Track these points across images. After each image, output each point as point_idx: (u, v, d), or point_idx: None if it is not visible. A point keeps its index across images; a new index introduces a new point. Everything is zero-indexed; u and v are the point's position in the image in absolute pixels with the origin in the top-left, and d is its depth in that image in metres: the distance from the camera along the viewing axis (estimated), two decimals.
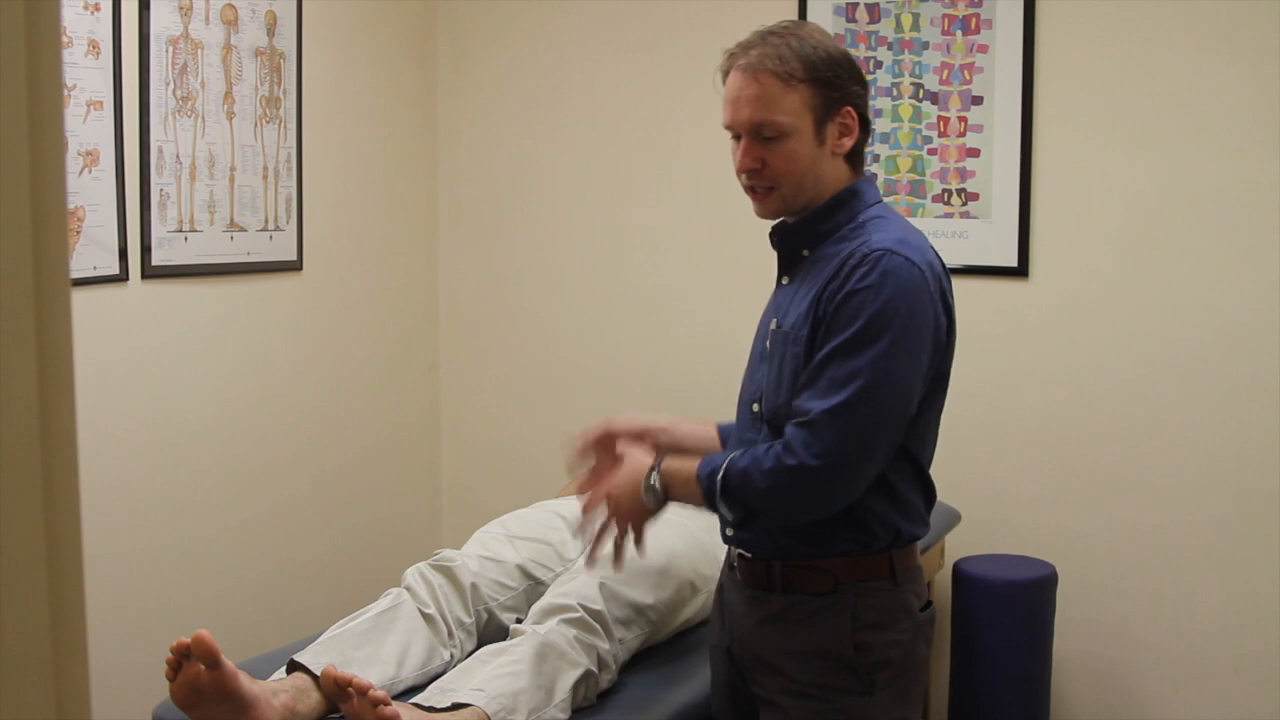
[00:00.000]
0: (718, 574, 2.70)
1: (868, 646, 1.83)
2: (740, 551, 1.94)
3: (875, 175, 3.04)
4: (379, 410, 3.63)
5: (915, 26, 3.12)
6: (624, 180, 3.56)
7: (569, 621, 2.32)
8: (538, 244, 3.68)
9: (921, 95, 3.12)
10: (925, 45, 3.12)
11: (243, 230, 3.14)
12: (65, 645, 0.62)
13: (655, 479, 1.87)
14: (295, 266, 3.31)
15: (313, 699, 2.15)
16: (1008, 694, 2.82)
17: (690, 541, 2.66)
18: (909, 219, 2.11)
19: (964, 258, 3.07)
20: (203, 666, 1.99)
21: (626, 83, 3.52)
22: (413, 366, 3.77)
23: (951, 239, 3.09)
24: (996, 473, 3.13)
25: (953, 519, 3.01)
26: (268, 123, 3.18)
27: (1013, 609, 2.84)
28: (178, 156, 2.95)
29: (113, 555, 2.82)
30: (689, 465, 1.86)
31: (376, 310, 3.61)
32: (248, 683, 2.04)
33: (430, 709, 2.11)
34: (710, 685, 2.13)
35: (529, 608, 2.47)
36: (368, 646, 2.31)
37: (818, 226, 1.87)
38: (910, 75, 3.14)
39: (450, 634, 2.42)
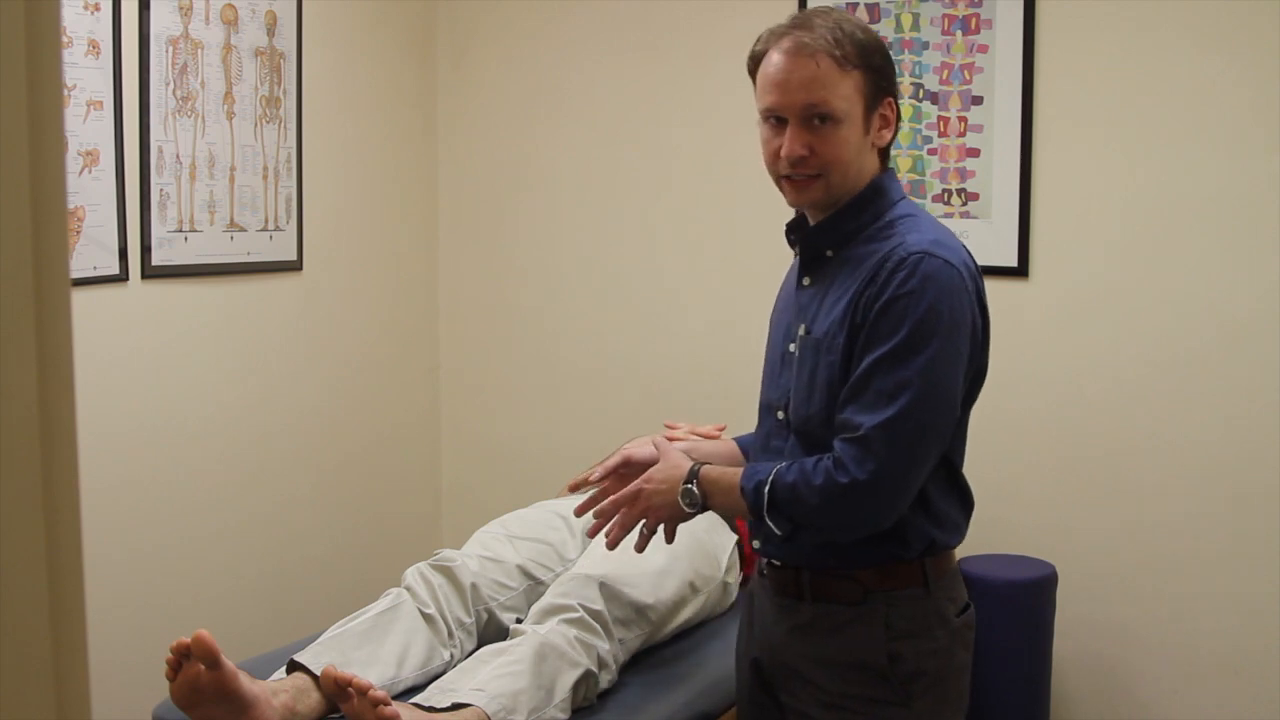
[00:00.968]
0: (718, 574, 2.71)
1: (901, 656, 1.78)
2: (770, 560, 1.89)
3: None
4: (379, 410, 3.63)
5: (915, 26, 3.12)
6: (624, 180, 3.55)
7: (569, 621, 2.32)
8: (538, 244, 3.68)
9: (921, 95, 3.12)
10: (925, 45, 3.12)
11: (243, 230, 3.14)
12: (65, 645, 0.62)
13: (694, 484, 1.82)
14: (295, 266, 3.31)
15: (313, 699, 2.15)
16: (1008, 694, 2.82)
17: (690, 541, 2.66)
18: None
19: None
20: (203, 666, 1.99)
21: (626, 83, 3.52)
22: (413, 366, 3.77)
23: None
24: (996, 473, 3.13)
25: None
26: (268, 123, 3.18)
27: (1013, 609, 2.84)
28: (178, 156, 2.95)
29: (113, 555, 2.83)
30: (730, 475, 1.81)
31: (376, 310, 3.61)
32: (248, 683, 2.04)
33: (430, 709, 2.11)
34: (735, 696, 2.09)
35: (529, 608, 2.47)
36: (368, 646, 2.31)
37: (843, 226, 1.81)
38: (910, 75, 3.14)
39: (450, 634, 2.42)
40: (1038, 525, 3.06)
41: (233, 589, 3.16)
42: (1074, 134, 3.01)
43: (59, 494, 0.61)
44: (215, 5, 3.02)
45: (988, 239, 3.07)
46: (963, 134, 3.10)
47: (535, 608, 2.42)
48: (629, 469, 1.96)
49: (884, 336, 1.69)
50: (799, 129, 1.74)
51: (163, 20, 2.89)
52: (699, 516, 2.86)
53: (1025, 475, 3.10)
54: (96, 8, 2.72)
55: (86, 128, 2.72)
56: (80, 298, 2.69)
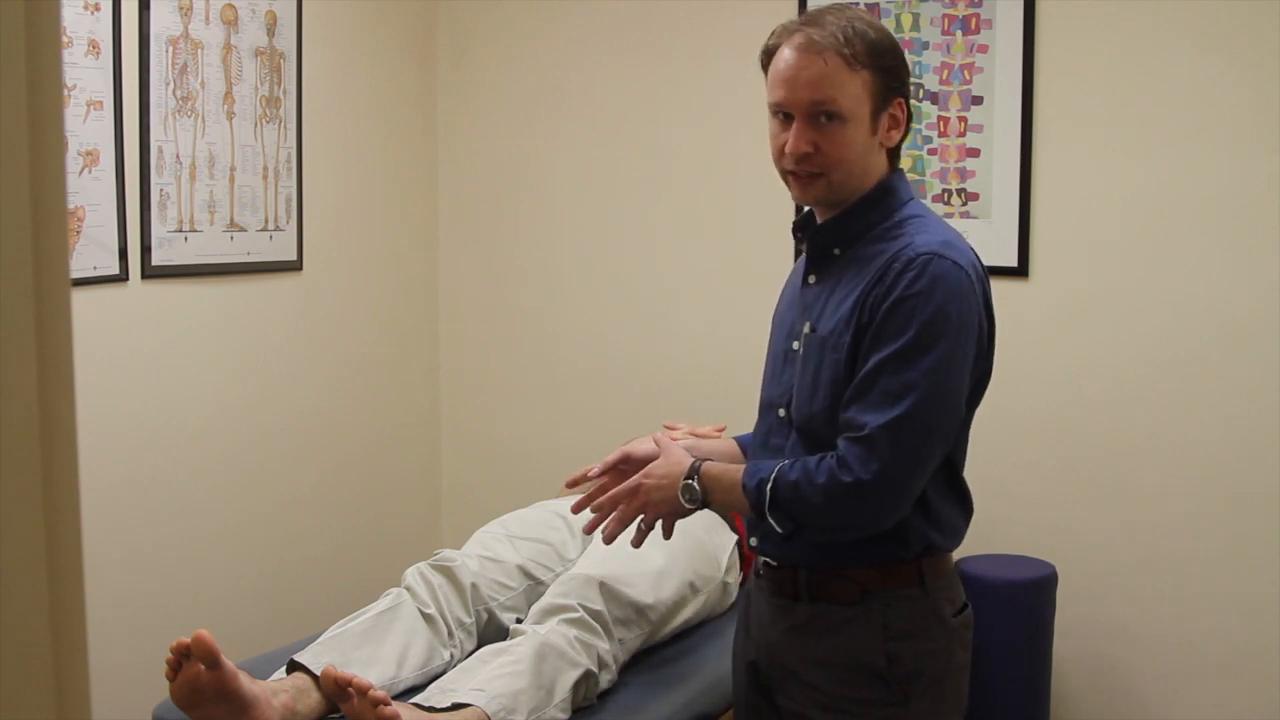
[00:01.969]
0: (718, 574, 2.71)
1: (899, 657, 1.77)
2: (766, 560, 1.88)
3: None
4: (379, 410, 3.63)
5: (915, 26, 3.12)
6: (624, 180, 3.55)
7: (569, 621, 2.32)
8: (538, 244, 3.68)
9: (921, 95, 3.12)
10: (925, 45, 3.12)
11: (243, 230, 3.14)
12: (65, 645, 0.62)
13: (695, 480, 1.81)
14: (295, 266, 3.31)
15: (313, 699, 2.15)
16: (1008, 694, 2.82)
17: (690, 541, 2.66)
18: None
19: None
20: (203, 666, 1.99)
21: (626, 83, 3.52)
22: (413, 366, 3.77)
23: None
24: (996, 473, 3.13)
25: None
26: (268, 123, 3.18)
27: (1013, 609, 2.84)
28: (178, 156, 2.95)
29: (113, 555, 2.82)
30: (732, 472, 1.80)
31: (376, 310, 3.61)
32: (248, 683, 2.04)
33: (430, 709, 2.11)
34: (731, 700, 2.08)
35: (529, 608, 2.47)
36: (368, 646, 2.31)
37: (851, 225, 1.80)
38: (910, 75, 3.14)
39: (450, 634, 2.42)
40: (1038, 525, 3.06)
41: (233, 589, 3.16)
42: (1074, 134, 3.01)
43: (59, 494, 0.61)
44: (215, 5, 3.02)
45: (988, 239, 3.07)
46: (963, 134, 3.10)
47: (535, 608, 2.42)
48: (628, 465, 1.97)
49: (891, 336, 1.69)
50: (804, 126, 1.74)
51: (163, 20, 2.89)
52: (699, 516, 2.87)
53: (1025, 475, 3.09)
54: (96, 8, 2.72)
55: (86, 128, 2.72)
56: (80, 298, 2.69)
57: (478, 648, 2.41)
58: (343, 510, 3.51)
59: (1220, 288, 2.89)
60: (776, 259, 2.96)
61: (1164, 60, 2.91)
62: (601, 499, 1.90)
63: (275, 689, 2.12)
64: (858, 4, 3.16)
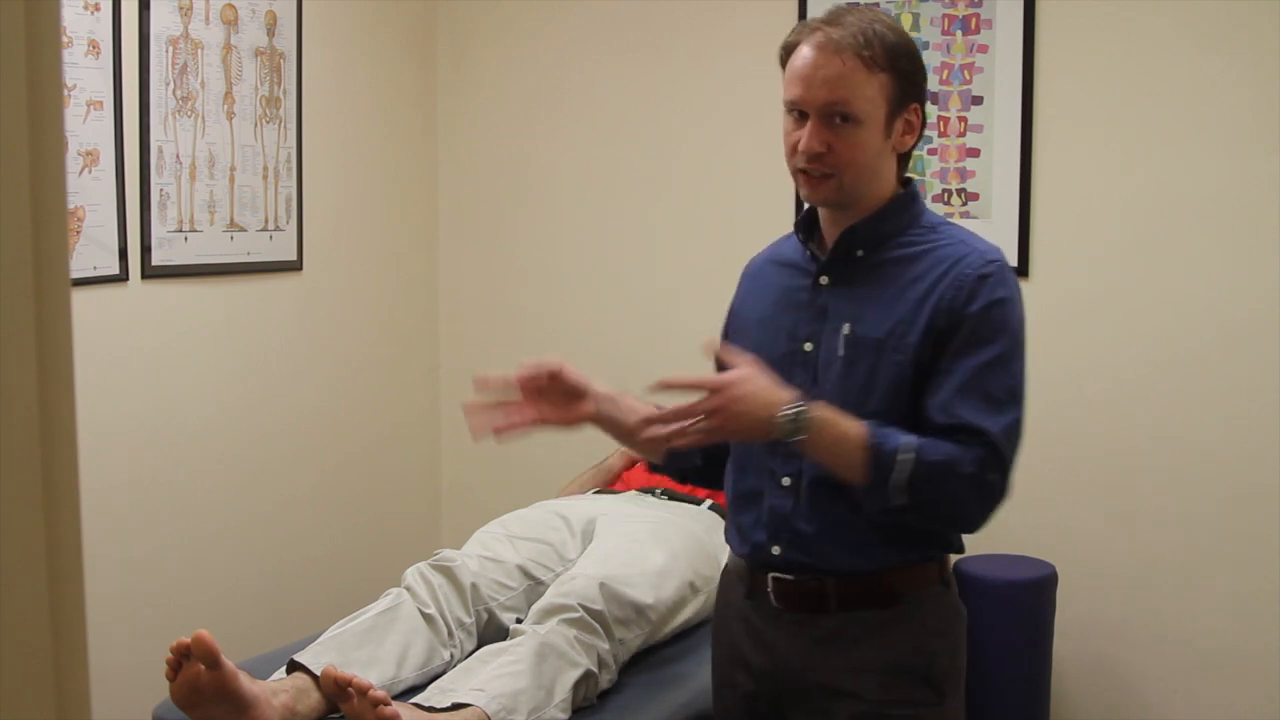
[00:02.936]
0: (718, 574, 2.70)
1: (937, 655, 1.77)
2: (777, 575, 1.80)
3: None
4: (379, 410, 3.63)
5: (915, 26, 3.12)
6: (624, 180, 3.55)
7: (569, 622, 2.32)
8: (538, 244, 3.68)
9: None
10: (925, 45, 3.11)
11: (243, 230, 3.14)
12: (65, 645, 0.62)
13: (803, 415, 1.64)
14: (295, 266, 3.31)
15: (313, 699, 2.15)
16: (1008, 694, 2.82)
17: (690, 542, 2.66)
18: None
19: None
20: (203, 666, 1.99)
21: (626, 83, 3.52)
22: (413, 366, 3.77)
23: None
24: None
25: None
26: (268, 123, 3.18)
27: (1013, 609, 2.84)
28: (178, 156, 2.95)
29: (113, 555, 2.83)
30: (852, 424, 1.67)
31: (376, 310, 3.61)
32: (248, 683, 2.04)
33: (430, 709, 2.11)
34: None
35: (529, 608, 2.47)
36: (368, 646, 2.31)
37: (881, 227, 1.79)
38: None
39: (450, 634, 2.42)
40: (1038, 525, 3.06)
41: (233, 589, 3.16)
42: (1074, 134, 3.01)
43: (59, 494, 0.61)
44: (215, 5, 3.02)
45: (988, 239, 3.07)
46: (963, 134, 3.10)
47: (535, 608, 2.41)
48: (554, 382, 1.83)
49: (985, 341, 1.71)
50: (819, 125, 1.73)
51: (163, 20, 2.89)
52: (698, 516, 2.87)
53: (1025, 475, 3.06)
54: (96, 8, 2.72)
55: (86, 128, 2.72)
56: (80, 298, 2.69)
57: (478, 648, 2.41)
58: (343, 510, 3.51)
59: (1220, 287, 2.89)
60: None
61: (1164, 60, 2.91)
62: (678, 408, 1.67)
63: (275, 689, 2.12)
64: (857, 4, 3.15)
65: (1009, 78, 3.04)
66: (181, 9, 2.93)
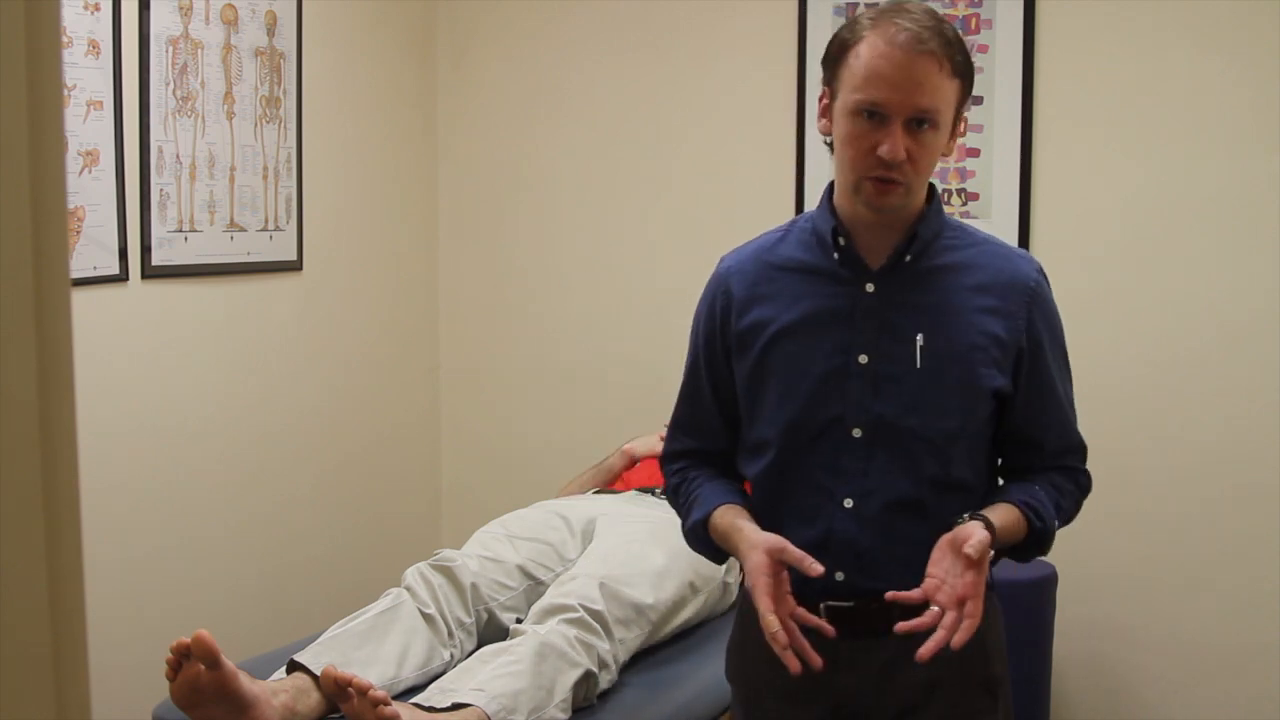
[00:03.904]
0: (718, 574, 2.70)
1: (995, 661, 1.75)
2: (833, 604, 1.68)
3: None
4: (379, 410, 3.63)
5: None
6: (624, 180, 3.55)
7: (569, 621, 2.32)
8: (538, 244, 3.68)
9: None
10: None
11: (243, 230, 3.14)
12: (65, 645, 0.61)
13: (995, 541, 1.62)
14: (295, 266, 3.31)
15: (313, 699, 2.15)
16: None
17: None
18: None
19: None
20: (203, 666, 1.99)
21: (626, 83, 3.52)
22: (413, 366, 3.77)
23: None
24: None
25: None
26: (268, 123, 3.18)
27: (1013, 609, 2.83)
28: (178, 156, 2.95)
29: (113, 555, 2.82)
30: (1007, 512, 1.65)
31: (376, 310, 3.61)
32: (248, 683, 2.04)
33: (430, 709, 2.11)
34: (729, 703, 1.92)
35: (529, 608, 2.47)
36: (368, 646, 2.31)
37: (925, 233, 1.70)
38: None
39: (450, 634, 2.42)
40: None
41: (233, 589, 3.16)
42: (1074, 134, 3.01)
43: (59, 494, 0.61)
44: (215, 5, 3.02)
45: None
46: (963, 134, 3.10)
47: (535, 607, 2.42)
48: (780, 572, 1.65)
49: (1058, 354, 1.76)
50: (902, 129, 1.59)
51: (163, 20, 2.89)
52: None
53: None
54: (96, 8, 2.72)
55: (86, 128, 2.72)
56: (80, 298, 2.69)
57: (478, 648, 2.41)
58: (343, 510, 3.51)
59: (1220, 287, 2.89)
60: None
61: (1164, 60, 2.91)
62: (944, 600, 1.57)
63: (275, 689, 2.12)
64: (856, 4, 3.15)
65: (1009, 78, 3.04)
66: (181, 9, 2.93)
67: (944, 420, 1.66)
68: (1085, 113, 3.00)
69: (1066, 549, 3.04)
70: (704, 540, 1.79)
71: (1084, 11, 2.97)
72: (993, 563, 1.69)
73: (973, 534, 1.57)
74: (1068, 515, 1.77)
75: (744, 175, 3.36)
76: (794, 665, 1.57)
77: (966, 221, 1.93)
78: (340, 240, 3.47)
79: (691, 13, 3.42)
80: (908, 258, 1.69)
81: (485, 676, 2.19)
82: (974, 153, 3.09)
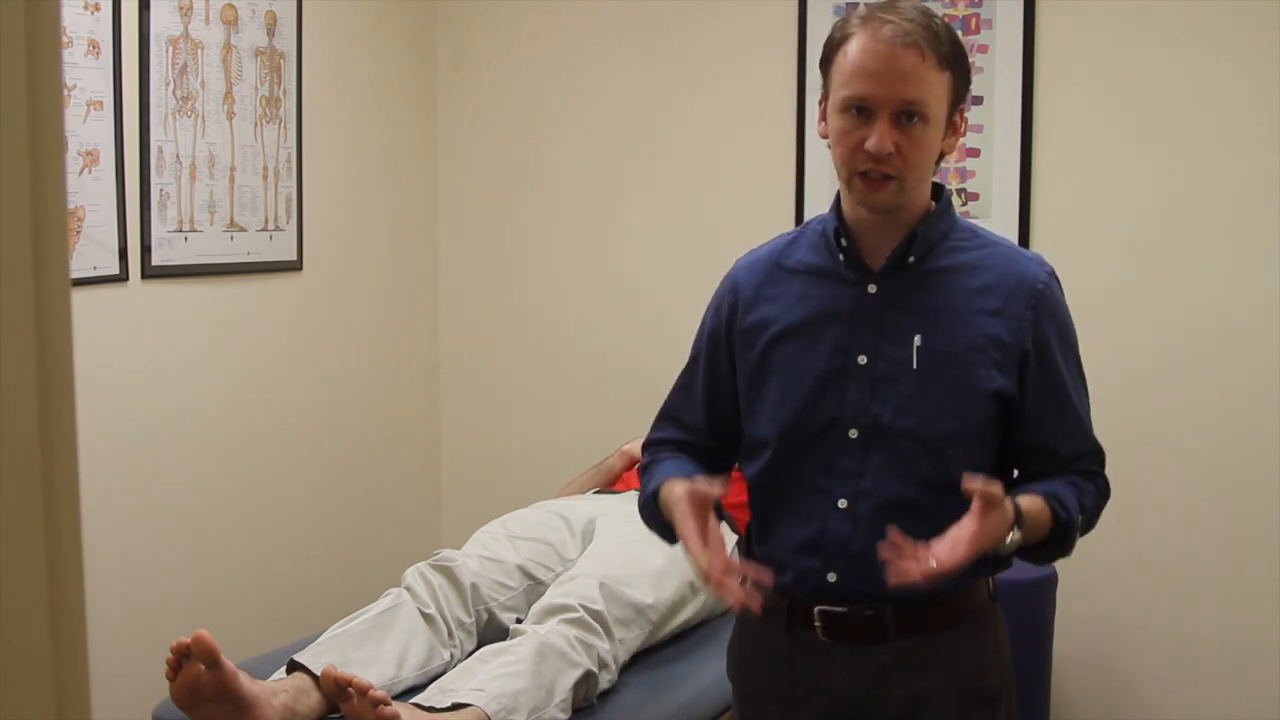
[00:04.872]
0: None
1: (991, 672, 1.73)
2: (825, 608, 1.68)
3: None
4: (379, 410, 3.63)
5: None
6: (624, 180, 3.55)
7: (569, 621, 2.32)
8: (538, 244, 3.68)
9: None
10: None
11: (243, 230, 3.14)
12: (65, 645, 0.61)
13: (1021, 527, 1.59)
14: (295, 266, 3.31)
15: (313, 699, 2.15)
16: None
17: None
18: None
19: None
20: (203, 666, 1.99)
21: (626, 83, 3.52)
22: (413, 366, 3.77)
23: None
24: None
25: None
26: (268, 123, 3.18)
27: (1013, 609, 2.83)
28: (178, 156, 2.95)
29: (113, 555, 2.82)
30: (1033, 502, 1.63)
31: (376, 310, 3.61)
32: (248, 683, 2.04)
33: (430, 709, 2.12)
34: (729, 702, 1.92)
35: (529, 608, 2.47)
36: (368, 647, 2.31)
37: (930, 234, 1.69)
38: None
39: (450, 634, 2.42)
40: None
41: (233, 589, 3.16)
42: (1074, 134, 3.01)
43: (59, 494, 0.61)
44: (215, 5, 3.02)
45: None
46: (963, 133, 3.10)
47: (535, 608, 2.42)
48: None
49: (1070, 358, 1.73)
50: (889, 124, 1.59)
51: (163, 20, 2.89)
52: None
53: None
54: (96, 8, 2.72)
55: (86, 128, 2.72)
56: (80, 298, 2.69)
57: (478, 648, 2.41)
58: (343, 510, 3.51)
59: (1220, 287, 2.89)
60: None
61: (1164, 60, 2.91)
62: (946, 561, 1.55)
63: (275, 689, 2.12)
64: (856, 3, 3.15)
65: (1009, 78, 3.04)
66: (181, 9, 2.93)
67: (941, 421, 1.65)
68: (1085, 112, 3.00)
69: None
70: (654, 515, 1.73)
71: (1084, 11, 2.97)
72: (1013, 561, 1.71)
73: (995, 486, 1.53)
74: (1090, 516, 1.73)
75: (744, 176, 3.36)
76: (735, 597, 1.54)
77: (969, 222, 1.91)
78: (340, 240, 3.47)
79: (691, 13, 3.42)
80: (910, 258, 1.68)
81: (485, 676, 2.19)
82: (974, 153, 3.09)
